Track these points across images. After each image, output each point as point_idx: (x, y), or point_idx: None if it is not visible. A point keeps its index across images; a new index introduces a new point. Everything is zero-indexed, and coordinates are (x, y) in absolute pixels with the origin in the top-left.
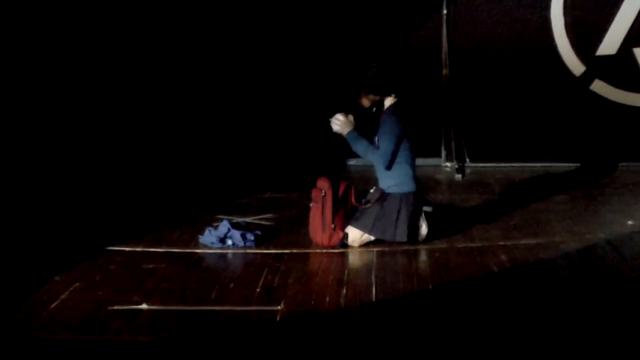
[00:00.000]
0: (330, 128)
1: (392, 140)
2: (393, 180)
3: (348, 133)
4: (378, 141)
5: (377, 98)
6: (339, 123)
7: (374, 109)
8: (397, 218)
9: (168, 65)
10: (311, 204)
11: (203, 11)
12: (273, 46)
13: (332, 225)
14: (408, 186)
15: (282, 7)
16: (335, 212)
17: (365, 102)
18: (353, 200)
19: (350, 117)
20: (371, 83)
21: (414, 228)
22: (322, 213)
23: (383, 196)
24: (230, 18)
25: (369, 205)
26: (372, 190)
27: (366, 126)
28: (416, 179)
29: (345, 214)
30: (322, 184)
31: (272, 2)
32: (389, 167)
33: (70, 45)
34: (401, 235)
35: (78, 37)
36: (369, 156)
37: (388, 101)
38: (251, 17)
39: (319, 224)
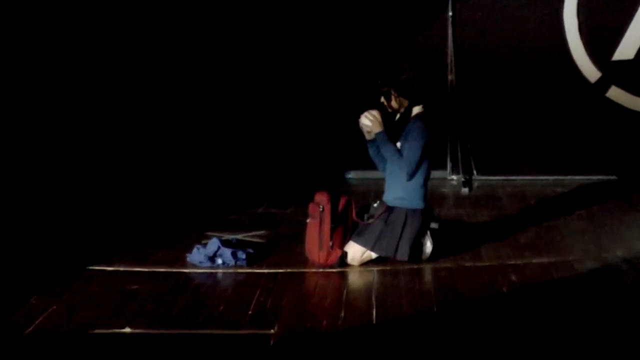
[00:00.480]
0: (336, 129)
1: (418, 149)
2: (403, 193)
3: (379, 133)
4: (402, 149)
5: (406, 104)
6: (373, 119)
7: (397, 116)
8: (401, 235)
9: (155, 77)
10: (308, 220)
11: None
12: (267, 54)
13: (330, 243)
14: (417, 202)
15: (277, 17)
16: (333, 229)
17: (395, 105)
18: (354, 215)
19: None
20: (406, 86)
21: (417, 247)
22: (320, 229)
23: (388, 210)
24: (220, 34)
25: (371, 220)
26: (375, 205)
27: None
28: (427, 197)
29: (345, 231)
30: (321, 198)
31: (266, 13)
32: (411, 176)
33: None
34: (402, 253)
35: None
36: (395, 162)
37: (416, 109)
38: (242, 28)
39: (316, 241)
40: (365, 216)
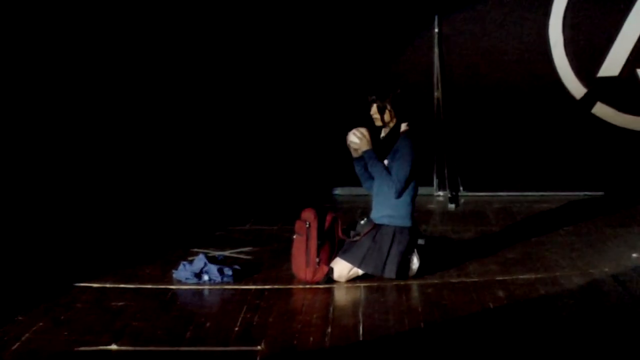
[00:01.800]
0: (324, 144)
1: (407, 166)
2: (391, 211)
3: (367, 151)
4: (390, 167)
5: (395, 120)
6: (361, 137)
7: (383, 133)
8: (388, 253)
9: (140, 91)
10: (294, 237)
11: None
12: (253, 70)
13: (317, 260)
14: (404, 220)
15: (261, 33)
16: (320, 246)
17: (387, 118)
18: (340, 233)
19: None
20: (399, 101)
21: (404, 265)
22: (306, 246)
23: (375, 228)
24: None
25: (357, 238)
26: (362, 222)
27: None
28: (414, 215)
29: (332, 248)
30: (307, 215)
31: (248, 29)
32: (400, 194)
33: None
34: (390, 271)
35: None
36: (384, 180)
37: (403, 126)
38: (226, 45)
39: (302, 258)
40: (352, 233)
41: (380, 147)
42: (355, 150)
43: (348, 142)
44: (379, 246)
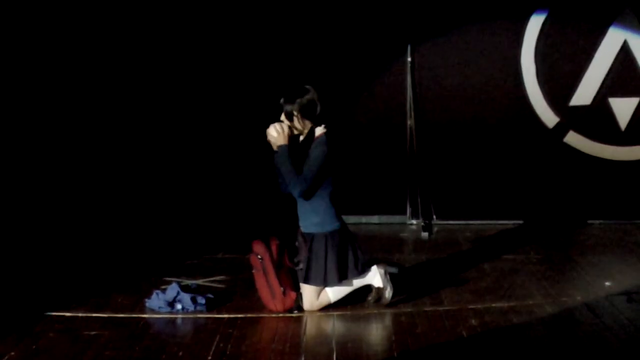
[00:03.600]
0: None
1: (315, 167)
2: (316, 218)
3: (281, 146)
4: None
5: (310, 125)
6: (279, 131)
7: (301, 138)
8: (326, 262)
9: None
10: (253, 272)
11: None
12: (213, 95)
13: (282, 289)
14: (332, 224)
15: (225, 63)
16: (278, 275)
17: (298, 126)
18: (287, 261)
19: (290, 134)
20: (310, 108)
21: (343, 265)
22: (266, 279)
23: (306, 240)
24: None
25: (301, 265)
26: (297, 243)
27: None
28: (339, 215)
29: (288, 273)
30: (258, 248)
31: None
32: (306, 196)
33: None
34: (331, 280)
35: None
36: (289, 179)
37: (319, 130)
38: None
39: (267, 291)
40: (295, 260)
41: (296, 152)
42: (274, 144)
43: (268, 137)
44: (316, 257)
